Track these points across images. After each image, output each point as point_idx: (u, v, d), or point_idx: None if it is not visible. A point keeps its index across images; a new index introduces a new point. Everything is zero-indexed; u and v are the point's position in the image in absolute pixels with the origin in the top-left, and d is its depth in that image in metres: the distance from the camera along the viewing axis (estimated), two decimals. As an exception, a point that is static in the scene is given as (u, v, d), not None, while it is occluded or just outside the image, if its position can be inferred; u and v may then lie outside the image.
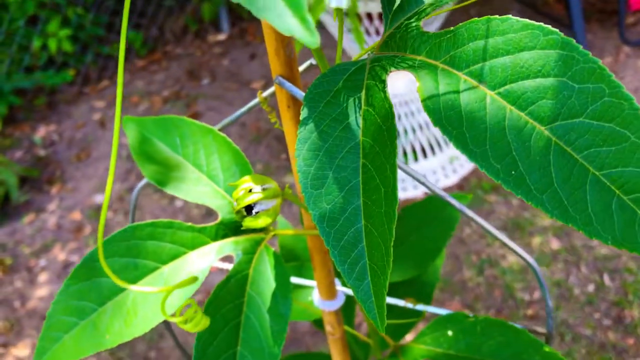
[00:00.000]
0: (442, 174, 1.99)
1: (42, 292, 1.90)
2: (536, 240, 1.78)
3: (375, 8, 1.67)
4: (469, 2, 0.33)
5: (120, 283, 0.29)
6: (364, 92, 0.31)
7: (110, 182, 0.30)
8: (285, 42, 0.38)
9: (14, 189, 2.22)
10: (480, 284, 1.70)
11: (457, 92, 0.29)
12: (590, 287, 1.65)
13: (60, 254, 2.02)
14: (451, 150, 2.01)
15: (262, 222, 0.40)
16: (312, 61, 0.42)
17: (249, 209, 0.40)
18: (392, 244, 0.28)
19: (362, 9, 1.66)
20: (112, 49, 2.94)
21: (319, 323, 0.69)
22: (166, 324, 0.63)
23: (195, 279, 0.35)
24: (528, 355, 0.48)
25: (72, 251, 2.03)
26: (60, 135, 2.57)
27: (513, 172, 0.27)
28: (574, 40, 0.27)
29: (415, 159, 1.98)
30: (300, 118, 0.32)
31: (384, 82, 0.31)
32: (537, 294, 1.66)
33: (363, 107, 0.31)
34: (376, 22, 1.74)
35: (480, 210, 1.88)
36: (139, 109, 2.64)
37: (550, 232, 1.79)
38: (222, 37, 3.13)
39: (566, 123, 0.27)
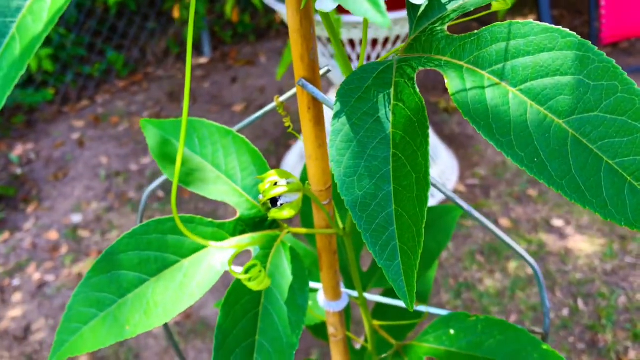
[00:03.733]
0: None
1: (15, 312, 1.86)
2: (512, 265, 1.82)
3: (358, 35, 1.71)
4: (474, 16, 0.36)
5: (196, 239, 0.31)
6: (392, 88, 0.34)
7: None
8: (310, 48, 0.41)
9: (-11, 207, 2.19)
10: (457, 307, 1.73)
11: (482, 87, 0.32)
12: (565, 312, 1.69)
13: (35, 274, 1.99)
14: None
15: (287, 213, 0.42)
16: (329, 67, 0.45)
17: (274, 201, 0.42)
18: (423, 225, 0.31)
19: (344, 35, 1.71)
20: (92, 69, 2.94)
21: (316, 329, 0.71)
22: (165, 328, 0.64)
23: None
24: (527, 353, 0.50)
25: (48, 271, 2.00)
26: (37, 154, 2.55)
27: (535, 160, 0.30)
28: (590, 42, 0.30)
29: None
30: (333, 111, 0.34)
31: (412, 79, 0.34)
32: (513, 318, 1.69)
33: (392, 102, 0.34)
34: (358, 48, 1.79)
35: (457, 234, 1.92)
36: (119, 129, 2.64)
37: (526, 257, 1.83)
38: (203, 60, 3.15)
39: (582, 117, 0.30)
